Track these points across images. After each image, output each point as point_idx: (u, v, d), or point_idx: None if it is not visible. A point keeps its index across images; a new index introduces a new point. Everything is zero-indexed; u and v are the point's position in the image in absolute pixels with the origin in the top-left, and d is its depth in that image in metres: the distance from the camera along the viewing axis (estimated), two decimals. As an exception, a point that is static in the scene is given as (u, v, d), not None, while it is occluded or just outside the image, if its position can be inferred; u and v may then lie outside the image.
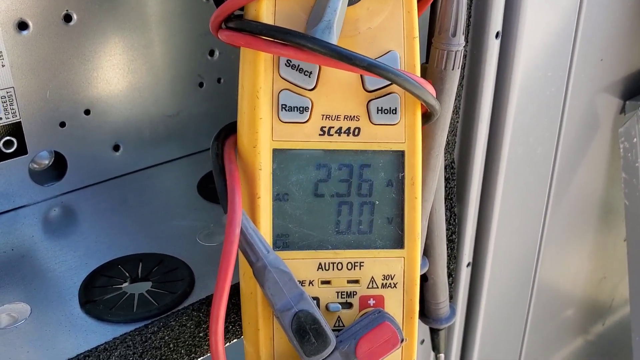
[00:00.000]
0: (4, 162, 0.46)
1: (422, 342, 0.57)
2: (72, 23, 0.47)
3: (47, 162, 0.50)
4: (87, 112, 0.50)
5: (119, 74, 0.50)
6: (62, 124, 0.49)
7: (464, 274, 0.56)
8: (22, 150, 0.47)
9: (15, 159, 0.47)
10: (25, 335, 0.36)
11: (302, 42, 0.31)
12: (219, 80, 0.56)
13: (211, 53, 0.55)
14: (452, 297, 0.55)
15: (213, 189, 0.48)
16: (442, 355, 0.54)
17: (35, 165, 0.49)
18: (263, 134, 0.34)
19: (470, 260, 0.57)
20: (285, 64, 0.34)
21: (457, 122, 0.49)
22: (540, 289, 0.66)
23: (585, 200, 0.68)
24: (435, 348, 0.53)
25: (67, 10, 0.46)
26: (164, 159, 0.56)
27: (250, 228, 0.32)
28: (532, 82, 0.51)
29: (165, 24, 0.52)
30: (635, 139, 0.62)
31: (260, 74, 0.33)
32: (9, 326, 0.37)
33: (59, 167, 0.50)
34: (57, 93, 0.48)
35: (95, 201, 0.50)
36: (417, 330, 0.37)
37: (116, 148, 0.52)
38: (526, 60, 0.49)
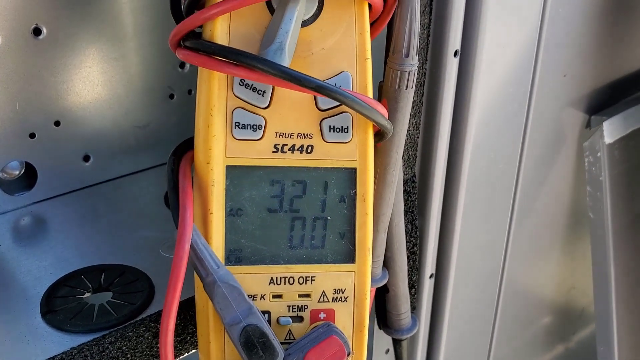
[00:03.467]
0: (-28, 172, 0.47)
1: (387, 351, 0.57)
2: (41, 36, 0.47)
3: (17, 172, 0.50)
4: (57, 123, 0.50)
5: (89, 86, 0.51)
6: (32, 135, 0.49)
7: (427, 285, 0.57)
8: (-10, 161, 0.47)
9: (-18, 169, 0.48)
10: (-16, 344, 0.37)
11: (253, 63, 0.32)
12: (189, 92, 0.57)
13: (182, 65, 0.56)
14: (415, 308, 0.56)
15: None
16: (405, 365, 0.55)
17: (5, 175, 0.50)
18: (216, 151, 0.34)
19: (433, 272, 0.57)
20: (239, 83, 0.34)
21: (418, 137, 0.49)
22: (506, 301, 0.67)
23: (552, 213, 0.68)
24: (398, 358, 0.54)
25: (36, 24, 0.47)
26: (134, 169, 0.56)
27: (200, 243, 0.33)
28: (493, 98, 0.52)
29: (136, 37, 0.52)
30: (599, 153, 0.63)
31: (214, 92, 0.34)
32: (-32, 336, 0.38)
33: (29, 177, 0.51)
34: (27, 105, 0.48)
35: (65, 211, 0.51)
36: (366, 342, 0.38)
37: (86, 158, 0.53)
38: (486, 77, 0.50)
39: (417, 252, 0.54)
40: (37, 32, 0.47)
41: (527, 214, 0.64)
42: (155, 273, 0.43)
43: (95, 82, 0.51)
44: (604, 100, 0.66)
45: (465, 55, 0.49)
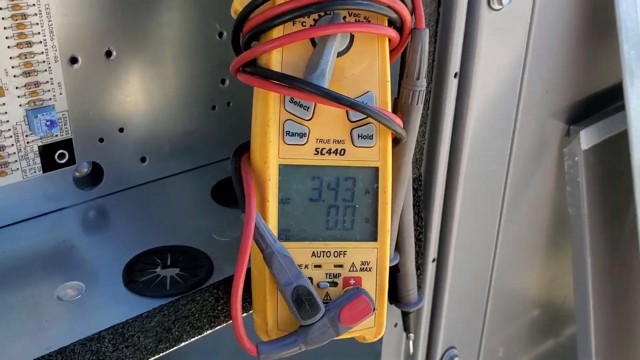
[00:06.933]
0: (55, 170, 0.54)
1: (396, 325, 0.63)
2: (112, 58, 0.54)
3: (86, 170, 0.56)
4: (121, 130, 0.57)
5: (148, 98, 0.58)
6: (101, 140, 0.56)
7: (430, 268, 0.62)
8: (71, 161, 0.54)
9: (63, 168, 0.55)
10: (85, 305, 0.45)
11: (302, 86, 0.41)
12: (228, 104, 0.63)
13: (222, 81, 0.63)
14: (420, 287, 0.63)
15: (225, 195, 0.57)
16: (412, 335, 0.62)
17: (77, 173, 0.55)
18: (272, 153, 0.43)
19: (435, 257, 0.63)
20: (289, 101, 0.42)
21: (424, 143, 0.56)
22: (497, 283, 0.72)
23: (537, 209, 0.73)
24: (407, 329, 0.61)
25: (108, 48, 0.54)
26: (181, 169, 0.63)
27: (261, 224, 0.42)
28: (486, 111, 0.58)
29: (185, 58, 0.59)
30: (576, 158, 0.69)
31: (270, 107, 0.42)
32: (72, 298, 0.45)
33: (96, 174, 0.57)
34: (99, 114, 0.55)
35: (126, 204, 0.57)
36: (386, 302, 0.46)
37: (143, 160, 0.60)
38: (480, 95, 0.56)
39: (423, 239, 0.59)
40: (108, 54, 0.54)
41: (515, 209, 0.69)
42: (212, 252, 0.50)
43: (151, 96, 0.58)
44: (582, 112, 0.71)
45: (464, 76, 0.54)
